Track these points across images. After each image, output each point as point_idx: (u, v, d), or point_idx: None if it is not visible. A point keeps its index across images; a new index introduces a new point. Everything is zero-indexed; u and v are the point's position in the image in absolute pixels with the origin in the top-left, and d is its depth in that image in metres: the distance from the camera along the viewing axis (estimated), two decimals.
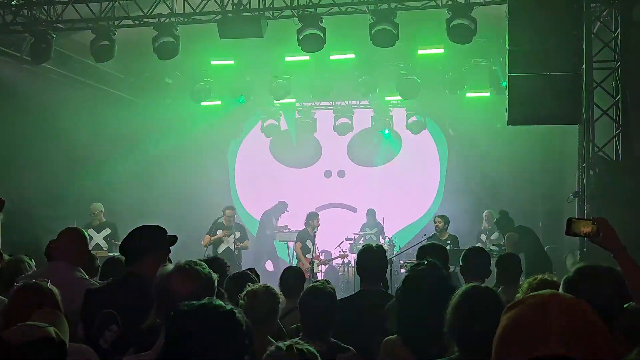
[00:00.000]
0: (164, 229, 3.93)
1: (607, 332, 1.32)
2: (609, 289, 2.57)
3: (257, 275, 4.81)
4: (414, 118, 14.95)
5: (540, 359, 1.24)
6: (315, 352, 2.51)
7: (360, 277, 4.91)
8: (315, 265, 11.36)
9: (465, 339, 2.72)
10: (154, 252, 3.77)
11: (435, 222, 11.19)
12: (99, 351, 3.01)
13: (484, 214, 12.61)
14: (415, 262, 3.76)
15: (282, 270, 5.61)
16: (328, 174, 16.34)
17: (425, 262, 3.60)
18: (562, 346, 1.24)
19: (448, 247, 10.50)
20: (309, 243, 12.07)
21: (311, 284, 3.99)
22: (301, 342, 2.55)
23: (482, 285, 3.05)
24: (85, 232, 4.72)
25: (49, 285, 3.18)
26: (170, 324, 2.10)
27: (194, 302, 2.14)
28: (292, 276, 5.25)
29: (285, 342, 2.51)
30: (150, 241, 3.83)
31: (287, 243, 13.37)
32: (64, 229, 4.66)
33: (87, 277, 4.48)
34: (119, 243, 4.08)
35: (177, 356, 2.05)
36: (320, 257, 11.59)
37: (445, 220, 11.18)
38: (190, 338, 2.04)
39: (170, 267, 2.80)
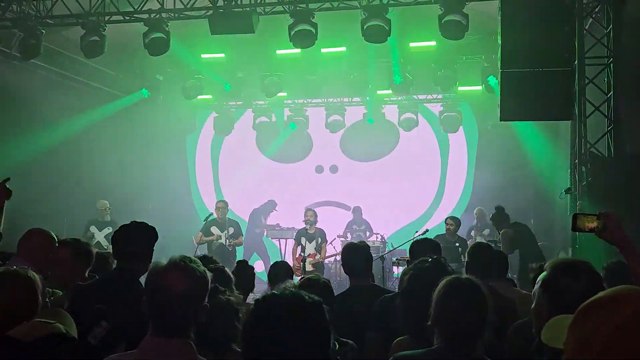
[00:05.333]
0: (154, 228, 4.09)
1: None
2: (589, 280, 2.55)
3: (252, 268, 4.94)
4: (406, 115, 14.86)
5: None
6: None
7: (348, 274, 5.04)
8: (307, 264, 11.09)
9: (451, 331, 2.73)
10: (148, 248, 3.99)
11: (446, 224, 10.69)
12: (89, 348, 2.94)
13: (475, 211, 12.61)
14: (419, 259, 3.63)
15: None
16: (319, 169, 16.15)
17: (430, 260, 3.52)
18: None
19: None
20: (303, 240, 11.56)
21: (305, 277, 3.95)
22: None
23: (463, 276, 3.00)
24: (53, 234, 4.62)
25: (30, 272, 2.98)
26: (252, 316, 1.95)
27: (276, 294, 1.99)
28: (281, 271, 5.18)
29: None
30: (145, 237, 4.02)
31: (279, 241, 13.24)
32: (34, 229, 4.63)
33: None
34: None
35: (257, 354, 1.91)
36: (315, 256, 11.34)
37: (457, 222, 10.71)
38: (273, 332, 1.89)
39: (164, 262, 2.74)
